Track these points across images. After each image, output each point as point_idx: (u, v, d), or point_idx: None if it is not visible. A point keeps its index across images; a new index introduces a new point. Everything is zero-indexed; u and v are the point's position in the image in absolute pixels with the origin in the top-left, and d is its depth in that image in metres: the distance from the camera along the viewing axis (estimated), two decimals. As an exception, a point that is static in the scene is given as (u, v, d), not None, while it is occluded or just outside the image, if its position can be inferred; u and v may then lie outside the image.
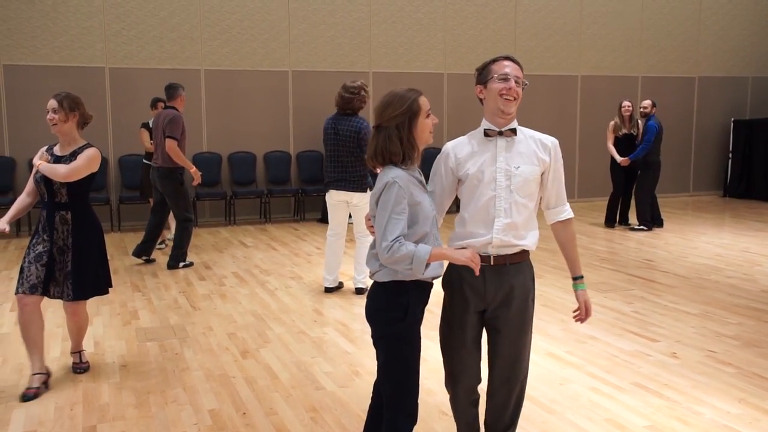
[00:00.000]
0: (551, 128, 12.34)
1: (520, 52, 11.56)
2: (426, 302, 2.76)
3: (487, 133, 2.81)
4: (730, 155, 13.38)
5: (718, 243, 8.71)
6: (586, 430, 3.61)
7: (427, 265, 2.57)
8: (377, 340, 2.74)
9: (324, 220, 10.37)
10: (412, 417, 2.73)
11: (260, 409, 3.90)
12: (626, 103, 9.71)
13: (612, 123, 9.80)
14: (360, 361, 4.64)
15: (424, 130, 2.68)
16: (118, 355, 4.79)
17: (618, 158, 9.62)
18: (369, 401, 3.97)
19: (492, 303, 2.81)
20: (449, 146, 2.86)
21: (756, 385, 4.18)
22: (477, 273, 2.59)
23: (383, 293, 2.69)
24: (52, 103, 4.17)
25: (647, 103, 9.62)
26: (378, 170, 2.73)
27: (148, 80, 9.79)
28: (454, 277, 2.85)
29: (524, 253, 2.82)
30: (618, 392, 4.10)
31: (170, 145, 7.19)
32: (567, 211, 2.90)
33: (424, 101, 2.69)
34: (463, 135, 2.88)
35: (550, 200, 2.86)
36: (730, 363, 4.56)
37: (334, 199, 6.23)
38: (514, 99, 2.76)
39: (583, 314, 2.96)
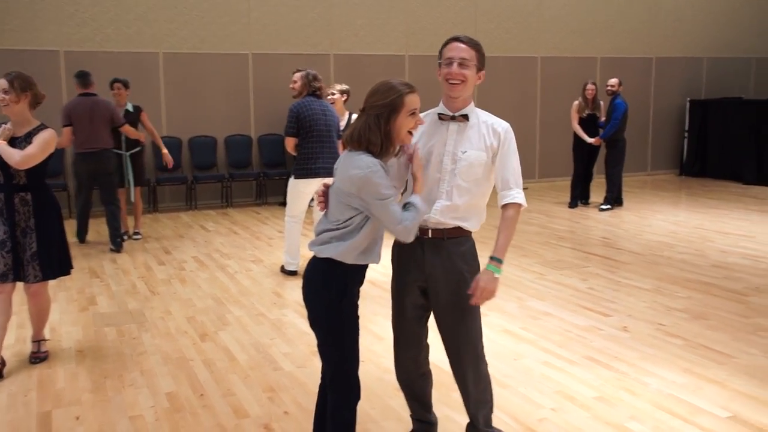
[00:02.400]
0: (512, 110, 12.54)
1: (481, 34, 11.61)
2: (362, 283, 2.77)
3: (440, 117, 2.86)
4: (686, 135, 13.64)
5: (673, 220, 8.91)
6: (537, 402, 3.71)
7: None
8: (313, 321, 2.76)
9: (286, 203, 10.36)
10: (354, 396, 2.76)
11: (218, 390, 3.92)
12: (590, 85, 9.82)
13: (576, 103, 9.91)
14: (318, 342, 4.68)
15: (402, 128, 2.62)
16: (74, 341, 4.77)
17: (587, 139, 9.73)
18: (326, 380, 4.03)
19: (431, 276, 2.84)
20: None
21: (701, 356, 4.33)
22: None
23: (322, 272, 2.69)
24: (3, 83, 4.09)
25: (614, 81, 9.72)
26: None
27: (105, 64, 9.62)
28: (397, 249, 2.93)
29: (463, 230, 2.85)
30: (569, 365, 4.21)
31: (127, 129, 7.60)
32: (509, 197, 2.82)
33: (410, 99, 2.62)
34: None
35: (497, 184, 2.87)
36: (678, 335, 4.70)
37: (314, 186, 6.05)
38: (461, 82, 2.76)
39: (474, 294, 2.76)
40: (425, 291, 2.90)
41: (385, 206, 2.57)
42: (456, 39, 2.81)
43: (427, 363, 3.10)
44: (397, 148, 2.73)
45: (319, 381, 4.05)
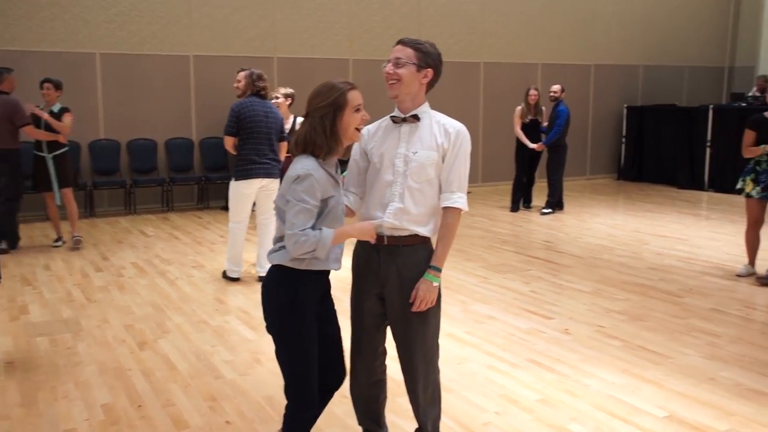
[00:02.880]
0: (455, 114, 12.43)
1: (426, 39, 11.66)
2: (320, 291, 2.75)
3: (393, 119, 2.87)
4: (623, 140, 14.00)
5: (611, 224, 9.12)
6: (481, 406, 3.73)
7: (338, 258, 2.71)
8: (269, 326, 2.74)
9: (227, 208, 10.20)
10: (305, 404, 2.72)
11: (157, 401, 3.81)
12: (533, 91, 9.96)
13: (519, 109, 10.03)
14: (261, 349, 4.61)
15: (350, 125, 2.62)
16: (3, 352, 4.57)
17: (530, 144, 9.86)
18: (270, 389, 3.97)
19: (386, 284, 2.83)
20: (365, 129, 2.91)
21: (639, 356, 4.43)
22: (372, 242, 2.70)
23: (275, 278, 2.68)
24: None
25: (557, 87, 9.88)
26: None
27: (39, 64, 9.31)
28: (355, 256, 2.93)
29: (419, 237, 2.84)
30: (513, 369, 4.25)
31: (30, 131, 7.42)
32: (450, 200, 2.79)
33: (353, 95, 2.62)
34: (370, 121, 2.90)
35: (441, 185, 2.83)
36: (616, 337, 4.80)
37: (255, 187, 6.03)
38: (397, 81, 2.75)
39: (413, 302, 2.77)
40: (382, 298, 2.89)
41: (296, 210, 2.52)
42: (399, 42, 2.82)
43: (383, 372, 3.08)
44: (345, 147, 2.72)
45: (262, 388, 3.99)
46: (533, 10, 13.10)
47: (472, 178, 12.71)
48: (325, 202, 2.60)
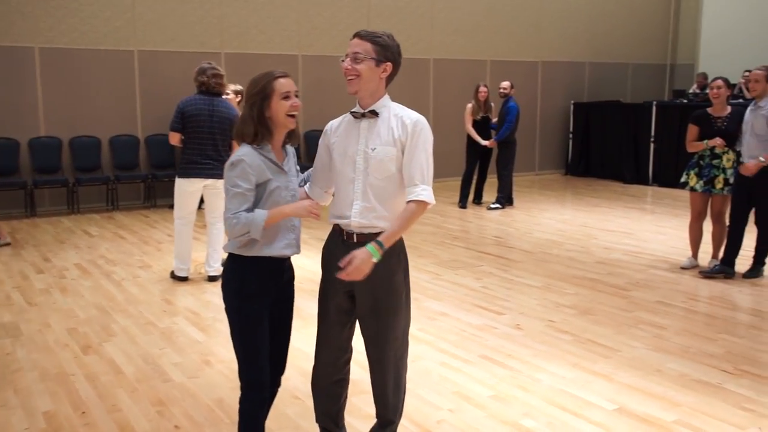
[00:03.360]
0: (406, 111, 12.59)
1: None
2: (277, 278, 2.78)
3: (354, 115, 2.81)
4: (571, 136, 14.23)
5: (560, 219, 9.25)
6: (435, 404, 3.72)
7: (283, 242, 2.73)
8: (225, 311, 2.81)
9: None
10: (254, 386, 2.77)
11: (102, 406, 3.70)
12: (482, 88, 10.02)
13: (469, 106, 10.07)
14: (211, 350, 4.51)
15: (279, 112, 2.65)
16: (-61, 360, 4.37)
17: (482, 141, 9.92)
18: (220, 391, 3.89)
19: (356, 281, 2.74)
20: (329, 125, 2.90)
21: (589, 350, 4.48)
22: (317, 218, 2.68)
23: (228, 265, 2.78)
24: None
25: (506, 84, 9.96)
26: None
27: (-26, 58, 8.96)
28: (325, 251, 2.91)
29: None
30: (466, 365, 4.25)
31: None
32: (414, 193, 2.70)
33: (281, 83, 2.65)
34: (320, 117, 2.85)
35: (404, 180, 2.75)
36: (567, 331, 4.85)
37: (197, 185, 5.94)
38: (356, 77, 2.69)
39: (344, 267, 2.63)
40: (352, 295, 2.84)
41: (231, 195, 2.61)
42: (355, 35, 2.74)
43: (347, 372, 3.03)
44: (282, 134, 2.74)
45: (212, 391, 3.90)
46: (482, 7, 13.20)
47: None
48: (263, 186, 2.66)
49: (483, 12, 13.22)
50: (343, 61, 2.72)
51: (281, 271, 2.80)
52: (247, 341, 2.72)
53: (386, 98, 2.80)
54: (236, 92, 7.33)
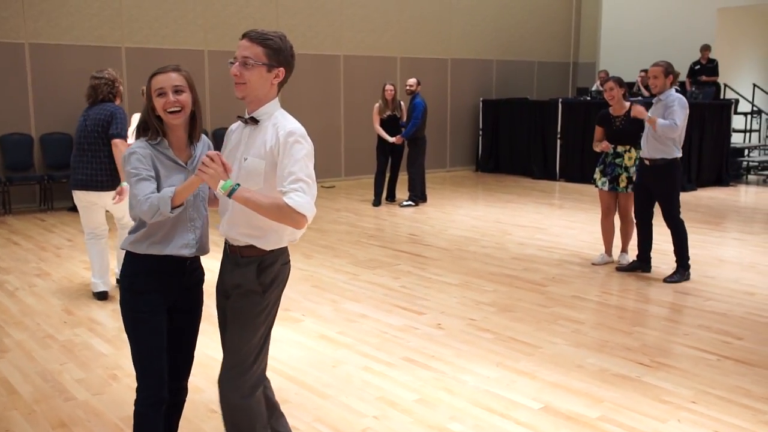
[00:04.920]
0: (316, 107, 12.46)
1: (283, 30, 11.17)
2: (169, 279, 2.67)
3: (241, 119, 2.65)
4: (480, 133, 14.42)
5: (474, 215, 9.31)
6: (359, 411, 3.59)
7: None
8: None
9: (76, 208, 9.43)
10: (145, 386, 2.67)
11: (-6, 432, 3.36)
12: (389, 87, 9.97)
13: (377, 105, 10.02)
14: (117, 363, 4.22)
15: (158, 109, 2.60)
16: None
17: (389, 138, 9.86)
18: (127, 408, 3.62)
19: (228, 290, 2.67)
20: (231, 127, 2.77)
21: (511, 348, 4.47)
22: (213, 169, 2.37)
23: (124, 261, 2.73)
24: None
25: (412, 81, 9.96)
26: None
27: None
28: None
29: (255, 249, 2.57)
30: (389, 369, 4.14)
31: None
32: (287, 196, 2.39)
33: (155, 80, 2.60)
34: (228, 114, 2.66)
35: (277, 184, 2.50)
36: (488, 329, 4.82)
37: (82, 198, 5.43)
38: (244, 83, 2.50)
39: (208, 158, 2.39)
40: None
41: (134, 182, 2.56)
42: (244, 35, 2.54)
43: (265, 387, 2.82)
44: (179, 130, 2.66)
45: (119, 408, 3.63)
46: (392, 3, 13.16)
47: (335, 172, 12.61)
48: (156, 178, 2.62)
49: (392, 8, 13.19)
50: (231, 63, 2.53)
51: (181, 273, 2.70)
52: (139, 337, 2.67)
53: (272, 104, 2.58)
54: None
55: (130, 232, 2.67)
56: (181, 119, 2.62)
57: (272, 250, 2.60)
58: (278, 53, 2.52)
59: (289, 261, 2.72)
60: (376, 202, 10.13)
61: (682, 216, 6.01)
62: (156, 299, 2.65)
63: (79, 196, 5.44)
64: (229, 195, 2.39)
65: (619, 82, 6.33)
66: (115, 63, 9.71)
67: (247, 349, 2.60)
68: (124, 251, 2.70)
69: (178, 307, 2.73)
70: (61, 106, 9.68)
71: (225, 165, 2.39)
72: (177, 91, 2.58)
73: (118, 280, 5.73)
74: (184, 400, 2.91)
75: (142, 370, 2.68)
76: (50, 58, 9.73)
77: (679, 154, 5.94)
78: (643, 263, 6.26)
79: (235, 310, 2.63)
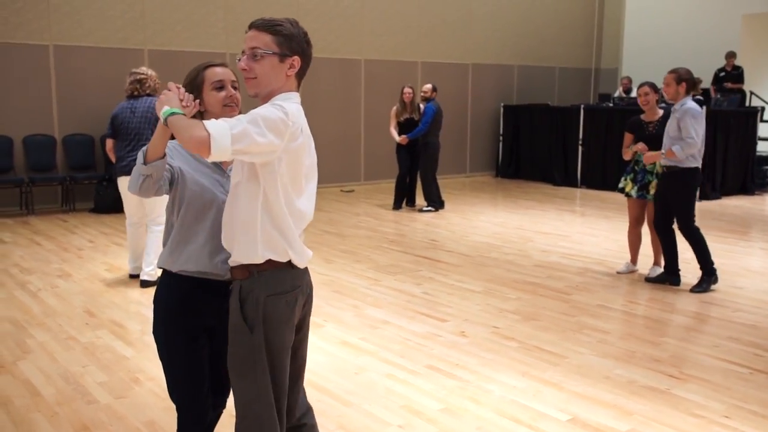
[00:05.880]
0: (336, 111, 12.44)
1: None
2: (208, 300, 2.48)
3: None
4: (501, 138, 14.33)
5: (495, 221, 9.23)
6: (383, 420, 3.53)
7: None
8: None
9: (97, 209, 9.50)
10: (185, 411, 2.57)
11: (17, 435, 3.35)
12: (407, 89, 9.94)
13: (394, 108, 10.00)
14: (139, 366, 4.19)
15: (210, 103, 2.45)
16: None
17: (397, 138, 9.85)
18: (150, 412, 3.59)
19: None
20: None
21: (536, 358, 4.39)
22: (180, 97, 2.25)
23: (160, 279, 2.60)
24: None
25: (427, 87, 9.96)
26: None
27: None
28: None
29: (238, 268, 2.30)
30: (413, 377, 4.08)
31: None
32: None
33: (211, 73, 2.47)
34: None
35: None
36: (513, 338, 4.75)
37: (125, 186, 5.88)
38: (255, 77, 2.26)
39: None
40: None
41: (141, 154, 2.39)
42: (250, 26, 2.31)
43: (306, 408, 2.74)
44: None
45: (142, 412, 3.60)
46: (411, 7, 13.12)
47: (354, 177, 12.57)
48: (182, 175, 2.45)
49: (413, 13, 13.15)
50: (239, 59, 2.29)
51: (221, 294, 2.43)
52: (171, 365, 2.53)
53: (286, 96, 2.27)
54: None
55: (163, 244, 2.54)
56: (235, 114, 2.45)
57: (255, 273, 2.25)
58: (290, 40, 2.28)
59: (292, 291, 2.32)
60: (397, 206, 10.07)
61: (698, 224, 5.90)
62: (190, 322, 2.49)
63: (123, 183, 5.94)
64: (165, 122, 2.15)
65: (654, 87, 6.24)
66: (137, 65, 9.67)
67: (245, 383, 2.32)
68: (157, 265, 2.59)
69: (217, 331, 2.53)
70: (84, 108, 9.73)
71: (182, 95, 2.25)
72: (234, 86, 2.51)
73: (142, 282, 5.81)
74: (220, 415, 2.75)
75: (181, 397, 2.54)
76: (74, 59, 9.78)
77: (696, 164, 5.82)
78: (671, 275, 6.08)
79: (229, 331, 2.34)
